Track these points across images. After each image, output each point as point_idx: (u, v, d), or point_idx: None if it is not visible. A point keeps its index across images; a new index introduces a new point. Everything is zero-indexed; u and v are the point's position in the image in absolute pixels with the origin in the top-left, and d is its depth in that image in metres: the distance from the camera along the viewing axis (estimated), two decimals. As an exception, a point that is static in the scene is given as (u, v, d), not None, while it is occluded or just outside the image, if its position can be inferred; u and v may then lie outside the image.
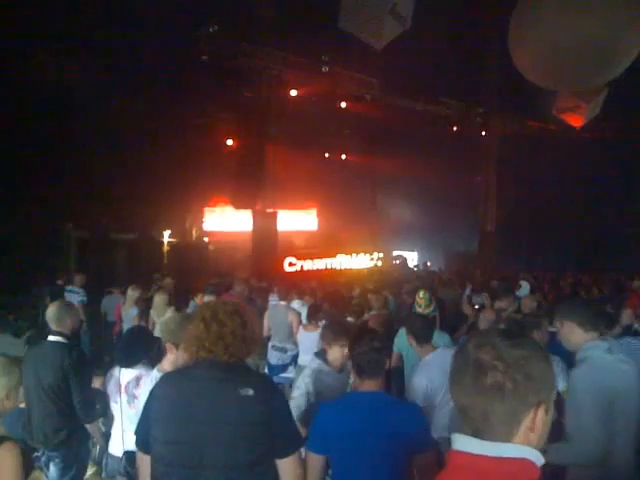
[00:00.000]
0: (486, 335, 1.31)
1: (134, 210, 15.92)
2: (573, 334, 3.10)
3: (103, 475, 4.94)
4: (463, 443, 1.23)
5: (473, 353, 1.25)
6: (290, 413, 2.53)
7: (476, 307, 7.92)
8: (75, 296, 9.18)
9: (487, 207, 22.60)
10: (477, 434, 1.23)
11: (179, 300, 7.54)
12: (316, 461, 2.59)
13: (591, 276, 13.71)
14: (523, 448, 1.20)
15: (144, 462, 2.42)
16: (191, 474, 2.20)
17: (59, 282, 10.11)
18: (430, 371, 3.85)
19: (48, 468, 3.97)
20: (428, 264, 22.52)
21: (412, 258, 24.52)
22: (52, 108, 12.64)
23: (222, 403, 2.25)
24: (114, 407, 3.62)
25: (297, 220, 22.22)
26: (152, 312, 7.37)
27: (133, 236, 17.69)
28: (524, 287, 9.93)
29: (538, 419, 1.21)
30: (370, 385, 2.71)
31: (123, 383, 3.58)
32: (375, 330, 3.04)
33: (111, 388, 3.61)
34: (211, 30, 14.84)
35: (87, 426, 3.95)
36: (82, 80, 12.82)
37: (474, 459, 1.20)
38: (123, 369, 3.61)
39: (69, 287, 9.75)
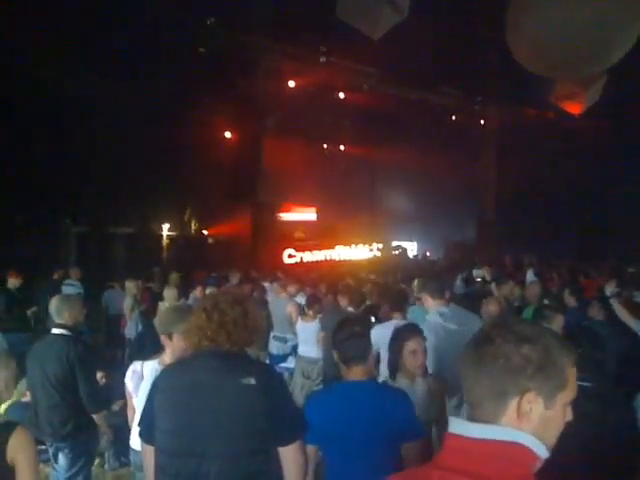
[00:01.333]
0: (506, 317, 1.34)
1: (133, 204, 15.92)
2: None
3: (106, 467, 4.99)
4: (456, 425, 1.24)
5: (485, 329, 1.29)
6: (292, 402, 2.54)
7: (478, 280, 7.98)
8: (71, 288, 9.22)
9: (486, 196, 22.58)
10: (471, 409, 1.24)
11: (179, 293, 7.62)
12: (307, 451, 2.59)
13: (590, 263, 13.70)
14: (515, 432, 1.19)
15: (148, 453, 2.45)
16: (194, 463, 2.22)
17: (55, 277, 10.12)
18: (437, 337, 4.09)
19: (57, 459, 4.02)
20: (428, 254, 22.57)
21: (411, 248, 24.56)
22: (50, 103, 12.61)
23: (224, 392, 2.27)
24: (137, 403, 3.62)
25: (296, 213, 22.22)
26: (161, 305, 7.49)
27: (132, 230, 17.70)
28: (530, 274, 10.06)
29: (529, 408, 1.19)
30: (357, 372, 2.70)
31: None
32: (357, 317, 3.02)
33: (135, 383, 3.61)
34: (208, 22, 14.78)
35: (94, 417, 4.00)
36: (79, 75, 12.77)
37: (465, 441, 1.21)
38: (145, 363, 3.62)
39: (67, 280, 9.78)
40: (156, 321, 3.44)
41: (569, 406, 1.25)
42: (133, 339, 7.61)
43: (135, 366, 3.66)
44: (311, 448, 2.59)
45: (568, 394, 1.24)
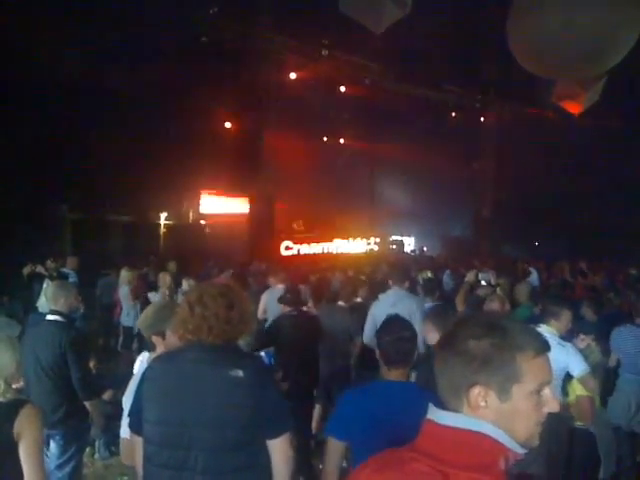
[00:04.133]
0: (470, 315, 1.39)
1: (130, 192, 15.85)
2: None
3: (96, 456, 5.01)
4: (431, 412, 1.30)
5: (450, 326, 1.34)
6: (280, 395, 2.54)
7: (483, 283, 8.02)
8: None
9: (484, 193, 22.62)
10: (443, 402, 1.29)
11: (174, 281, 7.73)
12: (336, 446, 2.55)
13: (588, 263, 13.73)
14: (477, 421, 1.21)
15: (138, 444, 2.45)
16: (181, 454, 2.23)
17: (50, 265, 10.08)
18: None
19: (48, 446, 4.03)
20: (424, 249, 22.61)
21: (409, 243, 24.60)
22: (48, 89, 12.55)
23: (211, 385, 2.27)
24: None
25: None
26: (151, 296, 7.63)
27: (129, 218, 17.65)
28: (533, 274, 10.14)
29: (482, 401, 1.21)
30: (397, 375, 2.65)
31: None
32: (404, 319, 2.95)
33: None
34: (211, 12, 14.73)
35: (86, 404, 4.01)
36: (79, 62, 12.73)
37: (436, 427, 1.25)
38: (148, 355, 3.58)
39: (62, 269, 9.76)
40: (141, 323, 3.30)
41: (544, 395, 1.24)
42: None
43: (143, 356, 3.64)
44: (340, 444, 2.55)
45: (527, 385, 1.22)
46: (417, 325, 5.15)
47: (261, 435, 2.32)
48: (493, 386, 1.22)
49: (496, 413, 1.22)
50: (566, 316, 4.28)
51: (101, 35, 12.55)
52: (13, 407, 2.48)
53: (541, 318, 4.40)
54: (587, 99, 9.12)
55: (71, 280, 9.20)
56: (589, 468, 4.30)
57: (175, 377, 2.33)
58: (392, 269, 8.38)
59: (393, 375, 2.66)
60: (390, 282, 6.22)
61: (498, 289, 7.36)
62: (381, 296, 6.07)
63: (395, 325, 2.81)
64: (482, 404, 1.22)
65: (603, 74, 7.91)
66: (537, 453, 3.55)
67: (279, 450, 2.35)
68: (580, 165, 19.06)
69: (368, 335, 5.54)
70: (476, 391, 1.22)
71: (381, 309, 5.53)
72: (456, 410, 1.25)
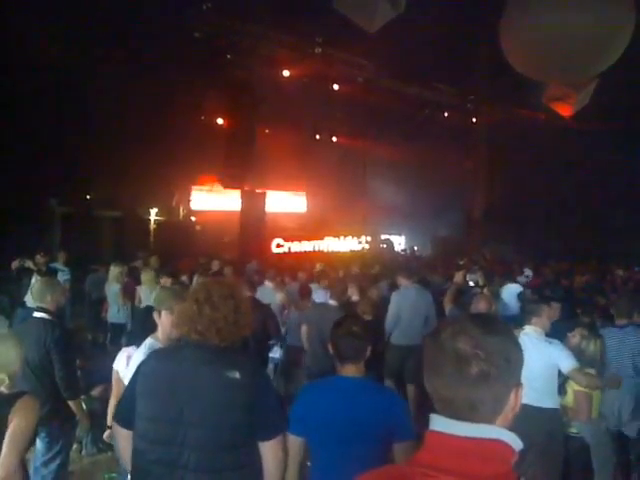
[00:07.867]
0: (459, 323, 1.27)
1: (120, 187, 15.78)
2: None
3: (83, 453, 4.98)
4: (438, 423, 1.22)
5: (450, 343, 1.22)
6: (275, 396, 2.54)
7: (471, 284, 8.07)
8: (60, 274, 9.10)
9: (475, 193, 22.67)
10: (462, 417, 1.21)
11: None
12: (294, 443, 2.61)
13: (575, 264, 13.82)
14: (498, 429, 1.20)
15: (124, 437, 2.45)
16: (173, 452, 2.23)
17: (40, 259, 9.97)
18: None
19: (34, 443, 4.01)
20: (415, 249, 22.67)
21: (399, 242, 24.63)
22: (37, 83, 12.45)
23: (207, 384, 2.27)
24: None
25: (286, 202, 22.25)
26: (139, 289, 7.73)
27: (119, 213, 17.57)
28: (527, 274, 10.21)
29: (517, 399, 1.24)
30: (350, 370, 2.71)
31: None
32: (358, 315, 3.00)
33: (130, 369, 3.61)
34: (204, 7, 14.64)
35: (70, 403, 3.98)
36: (68, 56, 12.64)
37: (448, 439, 1.20)
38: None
39: (53, 265, 9.64)
40: (158, 296, 3.60)
41: None
42: (132, 326, 7.80)
43: (129, 352, 3.66)
44: (297, 440, 2.62)
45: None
46: (432, 318, 6.67)
47: (254, 436, 2.32)
48: (520, 381, 1.25)
49: (515, 406, 1.24)
50: (545, 311, 4.33)
51: (94, 31, 12.47)
52: (13, 397, 2.58)
53: (523, 320, 4.43)
54: (578, 102, 9.16)
55: (64, 277, 9.13)
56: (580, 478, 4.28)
57: (172, 374, 2.32)
58: (400, 267, 9.73)
59: (347, 371, 2.71)
60: (401, 278, 7.16)
61: (485, 289, 7.39)
62: (403, 289, 7.03)
63: (346, 321, 2.86)
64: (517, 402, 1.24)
65: (595, 77, 7.94)
66: (532, 459, 3.56)
67: (271, 452, 2.36)
68: (571, 167, 19.16)
69: (390, 324, 6.73)
70: (520, 390, 1.24)
71: (407, 300, 6.80)
72: (489, 420, 1.21)
